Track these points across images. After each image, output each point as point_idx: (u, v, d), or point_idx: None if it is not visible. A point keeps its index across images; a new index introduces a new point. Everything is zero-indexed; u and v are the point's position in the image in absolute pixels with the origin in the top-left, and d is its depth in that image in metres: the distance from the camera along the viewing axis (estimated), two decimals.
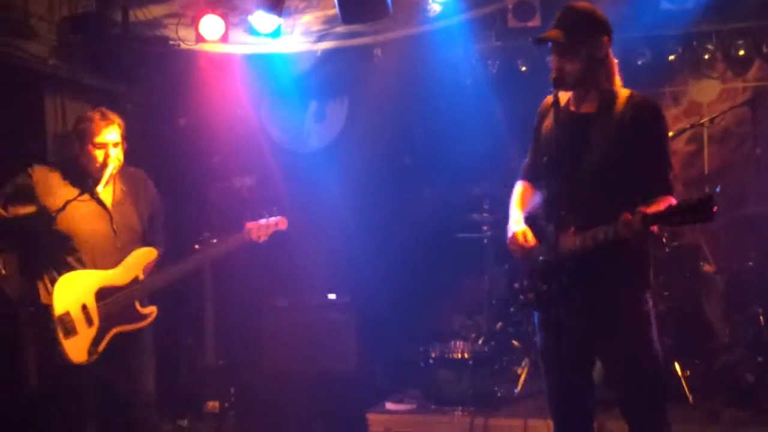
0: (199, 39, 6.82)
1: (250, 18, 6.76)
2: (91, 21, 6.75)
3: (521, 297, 4.06)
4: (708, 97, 7.85)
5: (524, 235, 4.01)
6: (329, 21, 7.05)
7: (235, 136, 7.89)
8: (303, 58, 7.63)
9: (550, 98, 4.07)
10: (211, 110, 7.62)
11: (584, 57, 3.86)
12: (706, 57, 7.59)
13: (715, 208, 3.37)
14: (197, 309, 7.62)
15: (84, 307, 4.73)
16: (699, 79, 7.88)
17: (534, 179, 4.26)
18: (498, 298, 7.66)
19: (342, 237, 7.78)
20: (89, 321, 4.73)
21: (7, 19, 6.23)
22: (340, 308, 7.53)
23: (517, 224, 4.09)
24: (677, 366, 6.26)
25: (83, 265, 4.79)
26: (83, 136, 4.85)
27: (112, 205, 4.95)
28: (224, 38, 6.88)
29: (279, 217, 5.32)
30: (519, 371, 6.95)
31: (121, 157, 4.95)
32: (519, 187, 4.30)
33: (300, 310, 7.54)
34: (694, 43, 7.50)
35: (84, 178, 4.86)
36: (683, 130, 6.83)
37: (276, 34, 6.90)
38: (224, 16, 6.83)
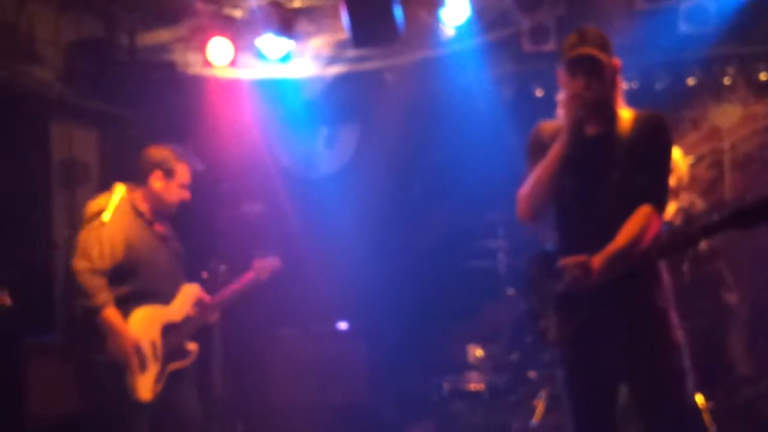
0: (207, 64, 6.76)
1: (258, 42, 6.70)
2: (98, 46, 6.75)
3: (552, 333, 3.88)
4: (729, 121, 7.70)
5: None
6: (340, 45, 7.02)
7: (244, 162, 7.79)
8: (313, 82, 7.57)
9: (549, 123, 3.99)
10: (218, 136, 7.52)
11: (609, 77, 3.77)
12: (726, 81, 7.45)
13: None
14: (203, 339, 7.49)
15: (153, 344, 4.73)
16: (719, 103, 7.73)
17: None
18: (514, 328, 7.53)
19: (352, 264, 7.66)
20: (156, 357, 4.74)
21: (13, 43, 6.19)
22: (350, 338, 7.42)
23: None
24: (700, 397, 6.10)
25: (146, 297, 4.75)
26: (170, 174, 4.87)
27: (168, 237, 4.99)
28: (233, 63, 6.83)
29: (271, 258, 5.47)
30: (535, 403, 6.79)
31: None
32: None
33: (308, 339, 7.42)
34: (714, 67, 7.39)
35: (149, 210, 4.89)
36: (703, 156, 6.71)
37: (286, 58, 6.85)
38: (233, 40, 6.77)
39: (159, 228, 4.94)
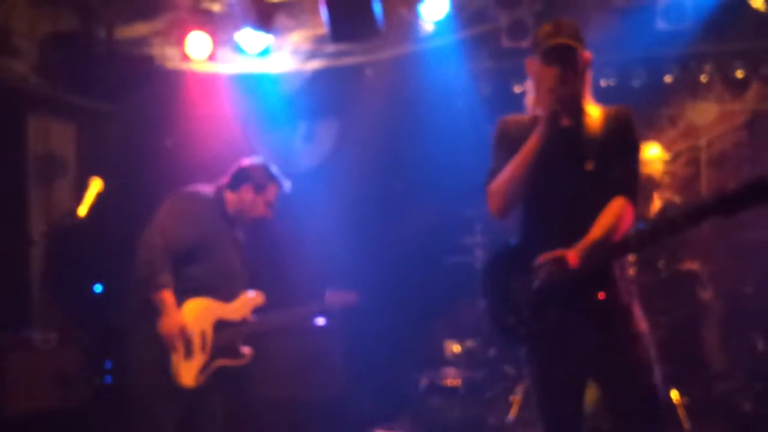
0: (185, 58, 6.72)
1: (237, 36, 6.67)
2: (75, 39, 6.70)
3: (524, 329, 3.87)
4: (705, 119, 7.73)
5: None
6: (319, 40, 6.99)
7: (222, 156, 7.75)
8: (292, 77, 7.54)
9: (514, 117, 4.00)
10: (197, 131, 7.49)
11: (582, 70, 3.77)
12: (704, 79, 7.47)
13: None
14: None
15: (203, 334, 4.88)
16: (696, 101, 7.76)
17: None
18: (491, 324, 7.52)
19: (329, 259, 7.63)
20: (204, 348, 4.89)
21: None
22: (327, 333, 7.38)
23: None
24: (675, 393, 6.14)
25: (206, 290, 4.92)
26: (260, 189, 5.16)
27: (242, 243, 5.19)
28: (211, 57, 6.79)
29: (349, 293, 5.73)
30: (512, 399, 6.80)
31: None
32: None
33: (286, 335, 7.38)
34: (691, 64, 7.41)
35: (233, 215, 5.12)
36: (680, 153, 6.75)
37: (265, 53, 6.82)
38: (211, 34, 6.74)
39: (237, 232, 5.17)
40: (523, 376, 6.88)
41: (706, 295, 6.87)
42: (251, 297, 5.15)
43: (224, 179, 5.20)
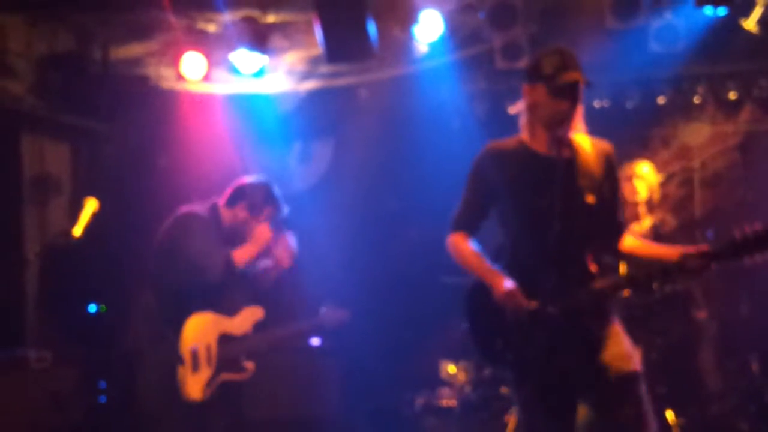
0: (180, 78, 6.73)
1: (232, 57, 6.68)
2: (70, 59, 6.72)
3: (510, 353, 3.86)
4: (698, 140, 7.74)
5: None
6: (313, 61, 7.01)
7: (217, 177, 7.75)
8: (287, 98, 7.55)
9: (500, 142, 4.02)
10: (192, 151, 7.49)
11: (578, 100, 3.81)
12: (697, 100, 7.50)
13: None
14: None
15: (208, 348, 4.99)
16: (689, 122, 7.78)
17: (473, 230, 4.12)
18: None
19: (325, 279, 7.62)
20: (209, 362, 4.99)
21: None
22: (322, 353, 7.36)
23: (508, 280, 3.77)
24: (670, 414, 6.13)
25: (209, 305, 5.04)
26: (254, 210, 5.24)
27: (245, 264, 5.18)
28: (206, 77, 6.81)
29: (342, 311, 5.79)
30: (507, 419, 6.78)
31: None
32: (466, 241, 4.08)
33: (281, 354, 7.35)
34: (684, 85, 7.44)
35: (228, 231, 5.21)
36: (673, 174, 6.77)
37: (259, 73, 6.83)
38: (206, 55, 6.75)
39: (232, 247, 5.18)
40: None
41: (701, 315, 6.87)
42: (252, 311, 5.22)
43: (223, 196, 5.27)
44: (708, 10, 6.21)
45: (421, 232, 8.23)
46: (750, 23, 6.31)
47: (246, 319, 5.20)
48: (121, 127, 7.29)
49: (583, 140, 3.89)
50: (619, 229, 3.97)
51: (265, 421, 7.14)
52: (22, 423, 5.70)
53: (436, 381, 7.54)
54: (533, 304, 3.72)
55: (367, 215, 8.05)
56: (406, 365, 7.88)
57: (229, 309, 5.13)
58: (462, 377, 7.53)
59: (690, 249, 3.66)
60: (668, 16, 6.47)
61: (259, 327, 5.29)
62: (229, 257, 5.06)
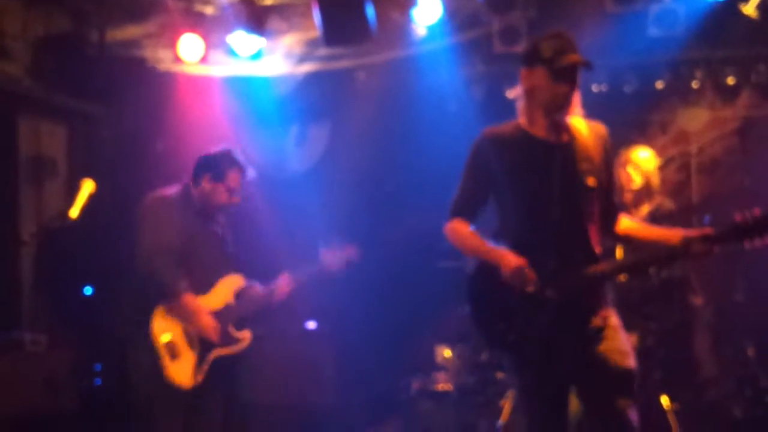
0: (177, 60, 6.71)
1: (229, 39, 6.65)
2: (67, 41, 6.70)
3: (513, 335, 3.86)
4: (696, 125, 7.72)
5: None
6: (311, 43, 6.98)
7: None
8: (284, 80, 7.52)
9: (497, 128, 4.01)
10: (189, 133, 7.46)
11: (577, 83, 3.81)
12: (695, 85, 7.47)
13: None
14: None
15: (185, 331, 4.90)
16: (687, 107, 7.75)
17: (473, 217, 4.08)
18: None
19: None
20: (191, 345, 4.91)
21: None
22: (318, 337, 7.38)
23: (514, 255, 3.76)
24: (665, 399, 6.14)
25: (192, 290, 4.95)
26: (219, 178, 5.11)
27: (216, 232, 5.19)
28: (203, 60, 6.78)
29: (351, 247, 5.66)
30: (503, 403, 6.79)
31: None
32: (466, 227, 4.04)
33: (277, 338, 7.36)
34: (682, 70, 7.40)
35: (201, 208, 5.14)
36: (671, 159, 6.75)
37: (257, 56, 6.81)
38: (203, 37, 6.72)
39: (213, 224, 5.18)
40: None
41: (696, 301, 6.87)
42: (230, 281, 5.13)
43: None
44: None
45: (417, 216, 8.23)
46: (749, 8, 6.29)
47: (222, 290, 5.09)
48: (118, 109, 7.28)
49: (579, 124, 3.89)
50: (615, 212, 3.99)
51: (261, 406, 7.17)
52: (17, 405, 5.71)
53: (432, 365, 7.54)
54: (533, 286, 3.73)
55: (363, 198, 8.03)
56: (401, 350, 7.88)
57: (201, 286, 5.01)
58: (458, 362, 7.53)
59: (693, 232, 3.69)
60: (667, 1, 6.45)
61: (242, 294, 5.18)
62: (196, 236, 5.04)
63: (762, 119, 7.52)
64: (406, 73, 7.52)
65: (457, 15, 6.81)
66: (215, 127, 7.65)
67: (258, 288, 5.25)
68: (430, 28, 6.78)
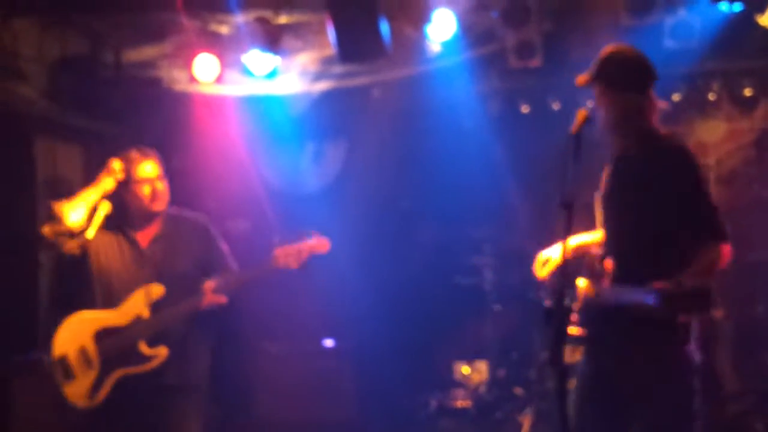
0: (193, 80, 6.73)
1: (244, 58, 6.67)
2: (83, 63, 6.73)
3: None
4: (714, 137, 7.69)
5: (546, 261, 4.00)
6: (326, 61, 6.98)
7: (230, 178, 7.75)
8: (299, 99, 7.53)
9: None
10: (205, 153, 7.49)
11: None
12: (712, 97, 7.46)
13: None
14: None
15: (83, 350, 4.62)
16: (704, 119, 7.73)
17: None
18: (500, 344, 7.52)
19: (338, 281, 7.61)
20: (88, 364, 4.62)
21: None
22: (336, 355, 7.37)
23: (552, 250, 4.01)
24: None
25: (88, 305, 4.71)
26: (124, 180, 4.73)
27: (147, 246, 4.82)
28: (219, 79, 6.80)
29: (314, 239, 5.00)
30: (521, 420, 6.76)
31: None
32: None
33: (295, 356, 7.36)
34: (699, 82, 7.40)
35: (125, 217, 4.82)
36: None
37: (272, 74, 6.82)
38: (219, 57, 6.74)
39: (135, 233, 4.81)
40: (532, 397, 6.84)
41: (717, 314, 6.83)
42: (144, 293, 4.68)
43: None
44: (723, 6, 6.17)
45: (434, 232, 8.22)
46: (765, 19, 6.26)
47: (133, 304, 4.65)
48: (134, 130, 7.27)
49: None
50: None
51: (278, 424, 7.15)
52: (38, 427, 5.70)
53: (450, 382, 7.52)
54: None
55: (380, 215, 8.03)
56: (419, 366, 7.86)
57: (111, 302, 4.68)
58: (476, 378, 7.50)
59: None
60: (683, 13, 6.42)
61: (159, 306, 4.68)
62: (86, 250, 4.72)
63: None
64: (421, 89, 7.53)
65: (471, 30, 6.80)
66: (231, 147, 7.68)
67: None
68: (445, 45, 6.77)
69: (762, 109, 7.58)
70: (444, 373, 7.81)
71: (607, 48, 3.90)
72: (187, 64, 6.79)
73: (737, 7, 6.13)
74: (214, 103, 7.28)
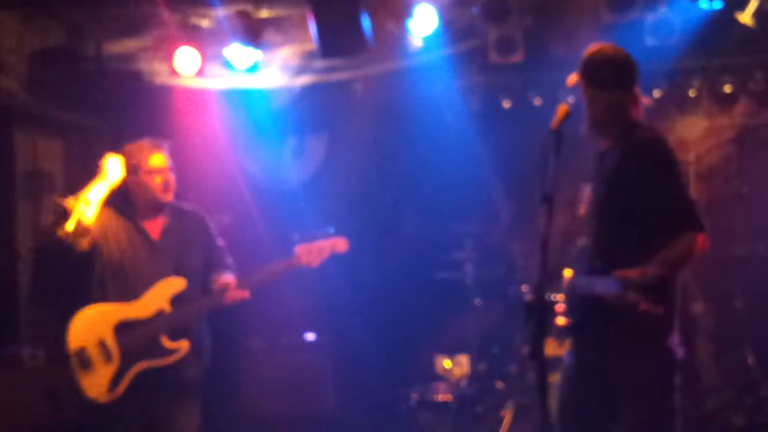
0: (174, 73, 6.70)
1: (226, 52, 6.65)
2: (63, 55, 6.68)
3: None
4: (694, 133, 7.72)
5: None
6: (308, 56, 6.98)
7: (211, 172, 7.72)
8: (281, 93, 7.53)
9: None
10: (186, 146, 7.44)
11: None
12: (692, 93, 7.50)
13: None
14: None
15: (101, 343, 4.57)
16: (684, 115, 7.76)
17: None
18: (481, 339, 7.54)
19: (320, 275, 7.59)
20: (107, 357, 4.57)
21: None
22: (317, 349, 7.37)
23: None
24: None
25: (106, 298, 4.66)
26: (134, 170, 4.73)
27: (160, 238, 4.79)
28: (200, 73, 6.78)
29: (335, 238, 5.08)
30: (502, 414, 6.77)
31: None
32: None
33: (276, 350, 7.36)
34: (679, 79, 7.43)
35: (134, 207, 4.78)
36: None
37: (253, 68, 6.80)
38: (200, 50, 6.72)
39: (144, 223, 4.79)
40: (513, 392, 6.86)
41: (697, 308, 6.88)
42: (165, 286, 4.66)
43: None
44: (703, 4, 6.21)
45: (415, 226, 8.23)
46: (745, 16, 6.29)
47: (154, 298, 4.62)
48: (115, 123, 7.26)
49: None
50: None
51: (260, 418, 7.15)
52: (16, 421, 5.68)
53: (431, 376, 7.53)
54: None
55: (361, 210, 8.03)
56: (401, 360, 7.88)
57: (127, 294, 4.63)
58: (457, 372, 7.52)
59: None
60: (663, 10, 6.44)
61: (179, 299, 4.68)
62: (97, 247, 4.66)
63: (759, 127, 7.53)
64: (403, 84, 7.54)
65: (452, 26, 6.81)
66: (212, 140, 7.66)
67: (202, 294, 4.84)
68: (426, 39, 6.78)
69: (741, 106, 7.61)
70: (425, 366, 7.82)
71: (591, 47, 3.94)
72: (168, 57, 6.77)
73: (717, 5, 6.17)
74: (195, 96, 7.25)
